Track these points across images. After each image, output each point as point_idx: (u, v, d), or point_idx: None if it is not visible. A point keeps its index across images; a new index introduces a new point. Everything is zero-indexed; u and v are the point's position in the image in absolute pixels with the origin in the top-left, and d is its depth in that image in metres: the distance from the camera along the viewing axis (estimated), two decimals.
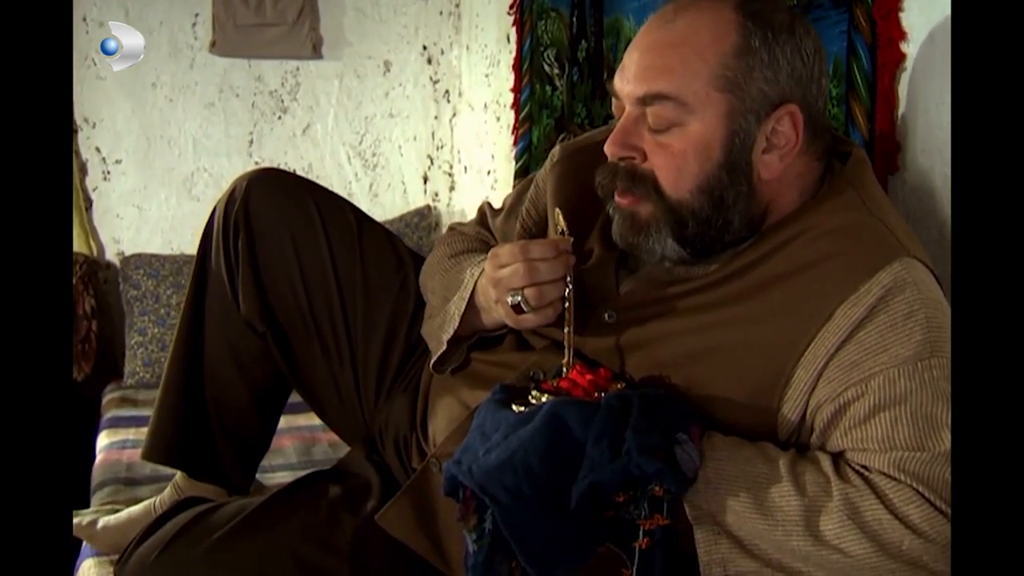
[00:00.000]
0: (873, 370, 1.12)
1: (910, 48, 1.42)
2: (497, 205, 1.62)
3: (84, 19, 2.99)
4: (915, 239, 1.23)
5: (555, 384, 1.21)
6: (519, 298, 1.27)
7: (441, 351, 1.41)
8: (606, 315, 1.29)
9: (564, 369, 1.25)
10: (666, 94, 1.17)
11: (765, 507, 1.10)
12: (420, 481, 1.36)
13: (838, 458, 1.14)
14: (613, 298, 1.30)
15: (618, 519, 1.12)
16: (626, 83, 1.21)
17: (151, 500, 1.73)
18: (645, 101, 1.19)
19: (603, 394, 1.17)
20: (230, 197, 1.62)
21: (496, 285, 1.30)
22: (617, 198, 1.25)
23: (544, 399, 1.17)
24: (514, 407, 1.18)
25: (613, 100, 1.26)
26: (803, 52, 1.19)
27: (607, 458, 1.07)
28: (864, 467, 1.11)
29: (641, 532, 1.11)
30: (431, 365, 1.44)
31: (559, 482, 1.08)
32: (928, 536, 1.05)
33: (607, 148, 1.23)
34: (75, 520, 1.73)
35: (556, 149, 1.49)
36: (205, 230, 1.66)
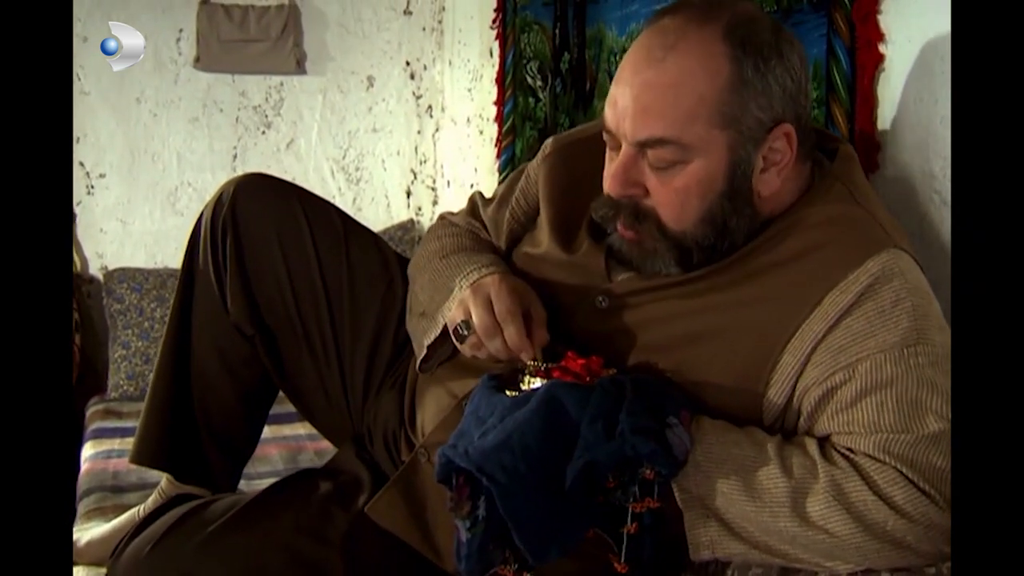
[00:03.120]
0: (860, 355, 1.14)
1: (888, 49, 1.45)
2: (488, 195, 1.63)
3: None
4: (902, 231, 1.27)
5: (546, 368, 1.23)
6: (464, 332, 1.30)
7: (424, 354, 1.43)
8: (598, 300, 1.31)
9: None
10: (667, 139, 1.18)
11: (753, 489, 1.12)
12: (409, 472, 1.37)
13: (824, 442, 1.16)
14: (605, 285, 1.32)
15: (607, 505, 1.14)
16: (621, 122, 1.21)
17: (135, 509, 1.73)
18: (645, 144, 1.20)
19: (595, 378, 1.19)
20: (218, 201, 1.63)
21: (462, 306, 1.32)
22: (621, 230, 1.27)
23: (537, 383, 1.19)
24: (507, 392, 1.20)
25: (604, 134, 1.26)
26: (792, 70, 1.20)
27: (602, 439, 1.09)
28: (849, 449, 1.13)
29: (630, 517, 1.13)
30: (417, 367, 1.46)
31: (555, 461, 1.10)
32: (911, 517, 1.07)
33: (607, 187, 1.24)
34: None
35: (548, 141, 1.51)
36: (192, 234, 1.67)
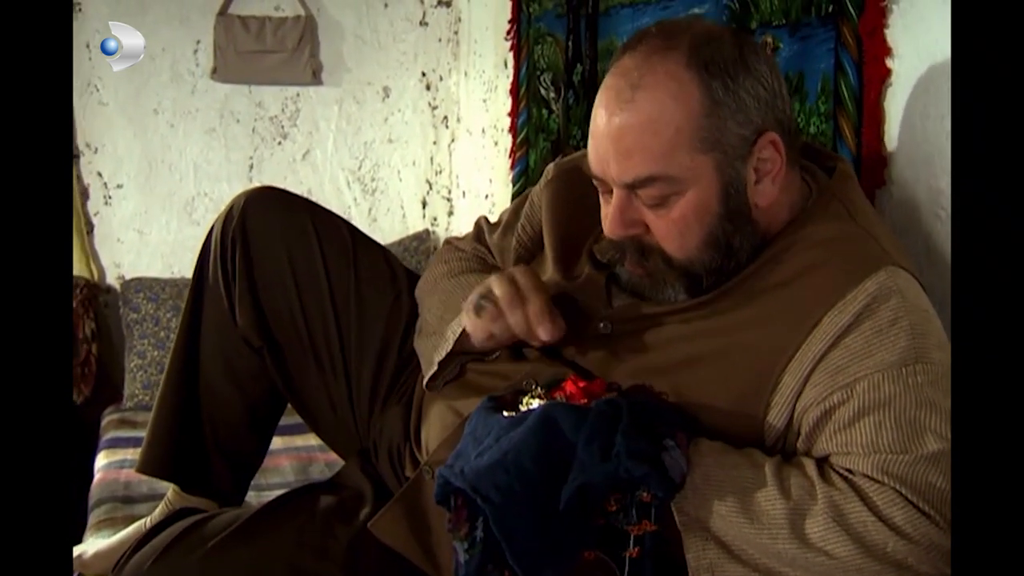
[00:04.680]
0: (858, 375, 1.13)
1: (895, 64, 1.44)
2: (494, 220, 1.64)
3: (87, 46, 3.02)
4: (901, 248, 1.26)
5: (547, 394, 1.23)
6: (484, 304, 1.30)
7: (433, 371, 1.43)
8: (601, 326, 1.31)
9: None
10: (654, 176, 1.18)
11: (751, 511, 1.11)
12: (413, 489, 1.37)
13: (823, 462, 1.15)
14: (607, 311, 1.32)
15: (609, 527, 1.13)
16: (606, 168, 1.21)
17: (142, 520, 1.74)
18: (634, 186, 1.19)
19: (594, 400, 1.19)
20: (228, 214, 1.64)
21: (482, 285, 1.32)
22: (630, 268, 1.27)
23: (535, 404, 1.19)
24: (505, 413, 1.19)
25: (594, 180, 1.26)
26: (762, 79, 1.20)
27: (597, 460, 1.08)
28: (848, 470, 1.12)
29: (632, 541, 1.13)
30: (424, 384, 1.46)
31: (550, 482, 1.09)
32: (912, 538, 1.06)
33: (608, 231, 1.24)
34: None
35: (550, 167, 1.52)
36: (203, 246, 1.68)
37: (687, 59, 1.17)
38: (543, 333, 1.26)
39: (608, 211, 1.24)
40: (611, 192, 1.23)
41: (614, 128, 1.19)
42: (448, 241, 1.67)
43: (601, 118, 1.21)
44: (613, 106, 1.19)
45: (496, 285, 1.30)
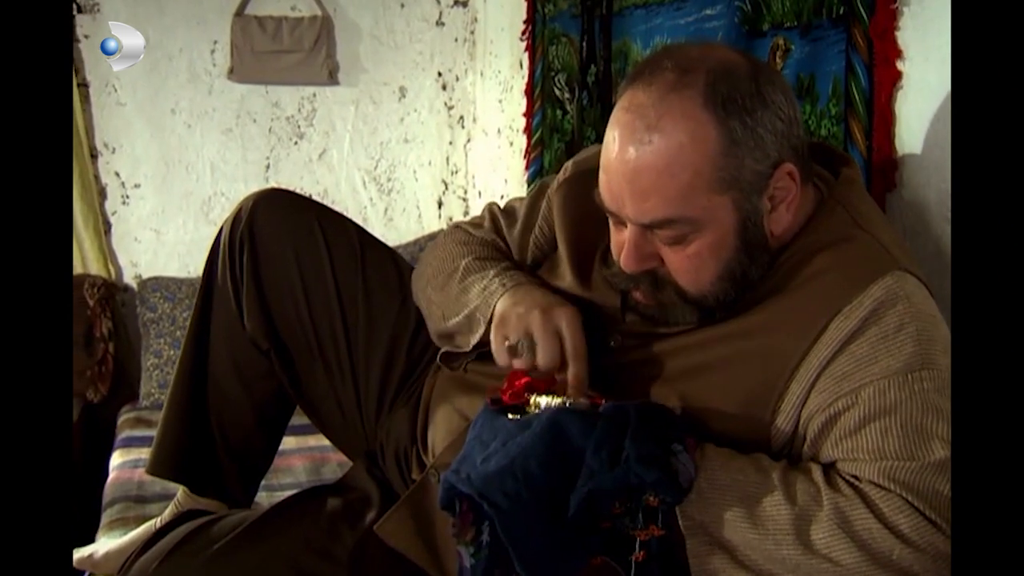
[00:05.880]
0: (864, 381, 1.12)
1: (906, 66, 1.43)
2: (502, 206, 1.61)
3: None
4: (909, 252, 1.25)
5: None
6: (522, 352, 1.27)
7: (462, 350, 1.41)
8: (613, 338, 1.31)
9: None
10: (672, 219, 1.16)
11: (756, 517, 1.10)
12: (419, 492, 1.37)
13: (829, 468, 1.14)
14: (619, 324, 1.32)
15: (615, 531, 1.13)
16: (622, 207, 1.18)
17: (152, 521, 1.75)
18: (651, 225, 1.18)
19: (603, 402, 1.18)
20: (236, 216, 1.64)
21: (521, 323, 1.30)
22: (641, 298, 1.26)
23: (543, 403, 1.18)
24: (510, 416, 1.19)
25: (607, 212, 1.24)
26: (779, 110, 1.17)
27: (606, 467, 1.08)
28: (854, 477, 1.11)
29: (638, 544, 1.12)
30: (439, 357, 1.45)
31: (558, 488, 1.09)
32: (918, 546, 1.05)
33: (623, 266, 1.22)
34: (76, 556, 1.75)
35: (569, 164, 1.49)
36: (212, 249, 1.68)
37: (704, 98, 1.13)
38: (574, 395, 1.23)
39: (621, 240, 1.22)
40: (624, 223, 1.21)
41: (629, 169, 1.16)
42: (457, 225, 1.62)
43: (615, 155, 1.17)
44: (628, 145, 1.16)
45: (542, 341, 1.27)
